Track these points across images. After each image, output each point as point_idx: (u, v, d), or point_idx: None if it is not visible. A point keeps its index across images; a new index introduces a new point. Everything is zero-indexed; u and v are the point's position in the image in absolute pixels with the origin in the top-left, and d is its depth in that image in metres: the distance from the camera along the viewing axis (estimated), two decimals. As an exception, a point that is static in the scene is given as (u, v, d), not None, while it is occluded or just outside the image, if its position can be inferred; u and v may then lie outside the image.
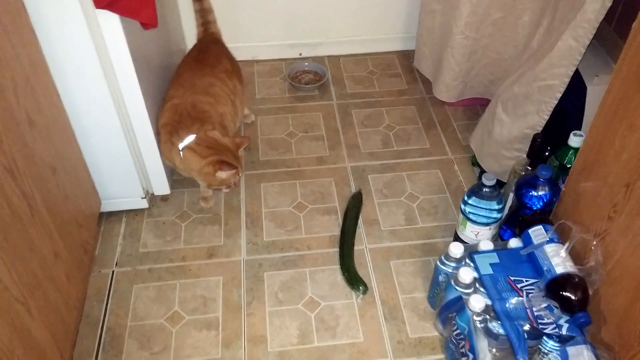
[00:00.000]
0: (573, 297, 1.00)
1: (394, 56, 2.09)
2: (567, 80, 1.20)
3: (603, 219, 1.00)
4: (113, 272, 1.38)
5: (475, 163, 1.62)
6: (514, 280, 1.07)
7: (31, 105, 1.08)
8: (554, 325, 1.00)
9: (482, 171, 1.51)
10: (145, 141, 1.38)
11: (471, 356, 1.04)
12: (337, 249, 1.42)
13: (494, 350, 1.01)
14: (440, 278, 1.19)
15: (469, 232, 1.27)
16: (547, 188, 1.17)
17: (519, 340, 0.97)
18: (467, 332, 1.05)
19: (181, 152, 1.34)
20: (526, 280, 1.07)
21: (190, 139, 1.33)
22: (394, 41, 2.10)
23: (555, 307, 1.02)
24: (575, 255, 1.06)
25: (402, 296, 1.32)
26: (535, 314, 1.01)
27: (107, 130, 1.31)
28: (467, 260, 1.14)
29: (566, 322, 0.99)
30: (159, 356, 1.21)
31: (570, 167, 1.17)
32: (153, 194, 1.53)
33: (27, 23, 1.09)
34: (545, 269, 1.04)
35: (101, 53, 1.19)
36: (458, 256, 1.15)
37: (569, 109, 1.29)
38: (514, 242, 1.17)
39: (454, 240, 1.20)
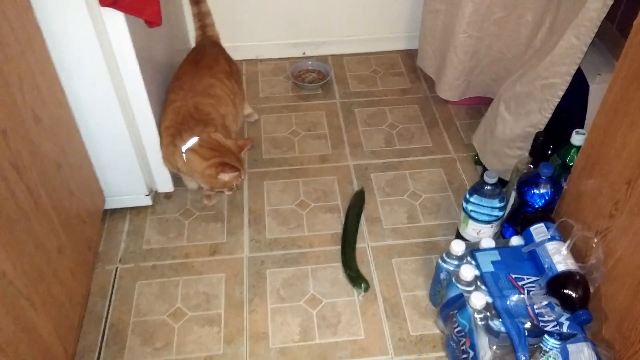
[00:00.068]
0: (574, 295, 1.00)
1: (397, 55, 2.10)
2: (569, 78, 1.20)
3: (604, 217, 1.00)
4: (117, 268, 1.39)
5: (477, 161, 1.63)
6: (515, 277, 1.08)
7: (37, 102, 1.09)
8: (555, 323, 1.00)
9: (485, 169, 1.51)
10: (150, 139, 1.39)
11: (472, 353, 1.04)
12: (339, 247, 1.42)
13: (495, 347, 1.01)
14: (442, 276, 1.19)
15: (471, 230, 1.27)
16: (549, 186, 1.17)
17: (520, 337, 0.97)
18: (468, 330, 1.05)
19: (184, 155, 1.33)
20: (527, 278, 1.07)
21: (193, 141, 1.33)
22: (397, 40, 2.10)
23: (556, 304, 1.02)
24: (576, 253, 1.06)
25: (403, 294, 1.33)
26: (536, 311, 1.02)
27: (111, 128, 1.32)
28: (469, 258, 1.14)
29: (567, 319, 1.00)
30: (161, 352, 1.22)
31: (572, 166, 1.17)
32: (157, 192, 1.54)
33: (33, 20, 1.10)
34: (546, 266, 1.05)
35: (106, 51, 1.19)
36: (459, 254, 1.15)
37: (572, 107, 1.29)
38: (516, 240, 1.17)
39: (455, 238, 1.20)
